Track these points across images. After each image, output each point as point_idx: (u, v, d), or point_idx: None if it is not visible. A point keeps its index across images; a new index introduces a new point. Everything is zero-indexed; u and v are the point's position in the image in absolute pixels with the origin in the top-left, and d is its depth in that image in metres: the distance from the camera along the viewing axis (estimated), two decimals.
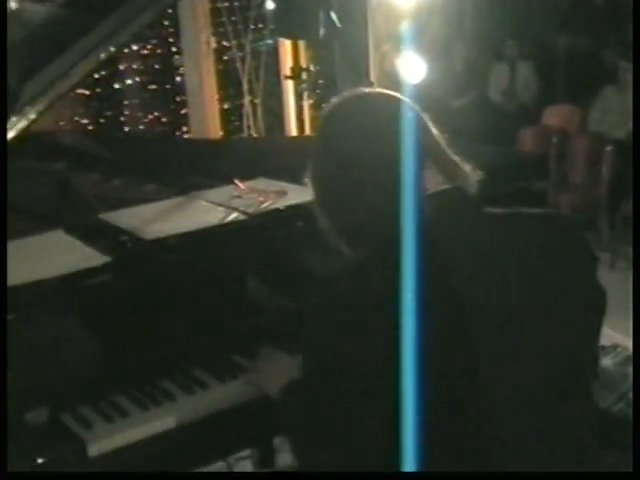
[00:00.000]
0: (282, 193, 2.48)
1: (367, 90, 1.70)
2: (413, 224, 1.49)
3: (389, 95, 1.65)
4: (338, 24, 3.11)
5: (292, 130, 5.27)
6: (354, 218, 1.61)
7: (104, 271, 2.08)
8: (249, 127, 5.57)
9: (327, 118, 1.68)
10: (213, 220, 2.33)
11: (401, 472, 1.41)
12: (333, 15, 3.08)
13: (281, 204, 2.43)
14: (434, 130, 1.66)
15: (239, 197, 2.48)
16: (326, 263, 2.32)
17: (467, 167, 1.66)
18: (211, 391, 2.10)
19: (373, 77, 5.05)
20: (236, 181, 2.56)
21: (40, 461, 1.87)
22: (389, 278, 1.47)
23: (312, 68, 5.01)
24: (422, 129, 1.63)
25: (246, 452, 3.07)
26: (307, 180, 1.69)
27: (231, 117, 5.83)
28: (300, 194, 2.51)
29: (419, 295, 1.43)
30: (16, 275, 2.00)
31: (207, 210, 2.43)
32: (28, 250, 2.20)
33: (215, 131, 5.73)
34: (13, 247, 2.23)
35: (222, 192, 2.56)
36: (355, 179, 1.58)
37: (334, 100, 1.68)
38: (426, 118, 1.65)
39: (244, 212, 2.38)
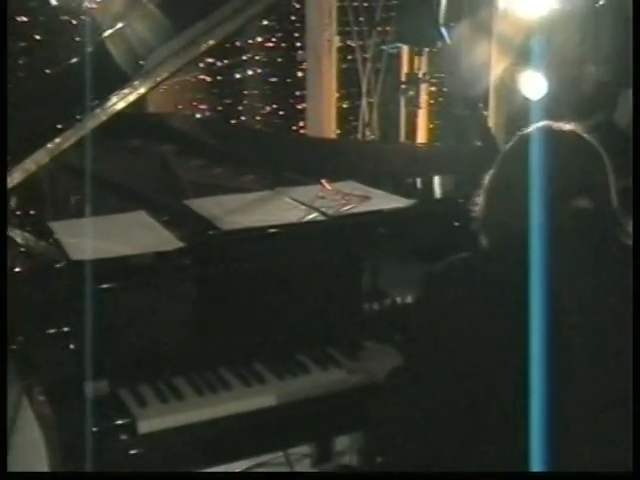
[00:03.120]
0: (366, 198, 2.48)
1: (552, 126, 1.80)
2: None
3: (572, 132, 1.79)
4: (448, 40, 3.09)
5: (405, 136, 5.26)
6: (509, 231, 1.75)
7: (175, 256, 2.13)
8: (364, 129, 5.56)
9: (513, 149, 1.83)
10: (291, 218, 2.36)
11: (402, 472, 1.43)
12: (444, 31, 3.06)
13: (362, 209, 2.43)
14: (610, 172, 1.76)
15: (323, 198, 2.50)
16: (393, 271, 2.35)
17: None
18: (267, 386, 2.13)
19: (492, 90, 4.97)
20: (323, 181, 2.58)
21: (94, 430, 1.93)
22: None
23: (426, 77, 4.98)
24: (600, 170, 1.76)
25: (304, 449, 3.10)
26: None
27: (349, 117, 5.84)
28: (384, 201, 2.51)
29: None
30: (91, 249, 2.08)
31: (289, 207, 2.45)
32: (108, 227, 2.27)
33: (331, 129, 5.75)
34: (96, 222, 2.32)
35: (308, 191, 2.58)
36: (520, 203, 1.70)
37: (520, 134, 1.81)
38: (606, 159, 1.77)
39: (324, 213, 2.39)
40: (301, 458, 3.18)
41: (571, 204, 1.70)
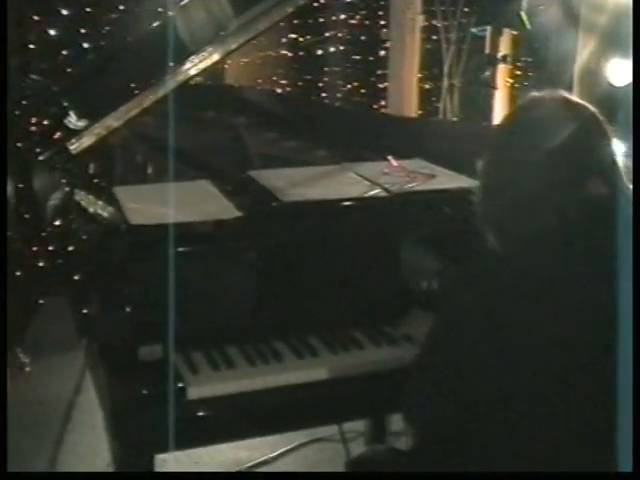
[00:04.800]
0: (430, 176, 2.45)
1: (561, 94, 1.71)
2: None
3: (578, 104, 1.69)
4: (528, 25, 3.03)
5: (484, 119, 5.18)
6: (511, 211, 1.66)
7: (233, 225, 2.13)
8: (445, 110, 5.50)
9: (519, 112, 1.74)
10: (354, 192, 2.34)
11: (402, 472, 1.40)
12: (523, 15, 3.00)
13: (426, 187, 2.39)
14: (614, 146, 1.67)
15: (387, 174, 2.47)
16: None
17: None
18: (320, 359, 2.12)
19: (576, 75, 4.85)
20: (389, 157, 2.55)
21: (144, 392, 1.95)
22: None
23: (507, 58, 4.89)
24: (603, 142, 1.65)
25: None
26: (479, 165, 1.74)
27: (431, 97, 5.78)
28: (449, 180, 2.47)
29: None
30: (151, 215, 2.09)
31: (352, 182, 2.43)
32: (170, 194, 2.28)
33: (412, 109, 5.70)
34: (158, 189, 2.34)
35: (374, 167, 2.56)
36: (525, 174, 1.63)
37: (530, 96, 1.72)
38: (611, 133, 1.67)
39: (387, 189, 2.36)
40: (357, 436, 3.18)
41: (584, 190, 1.61)
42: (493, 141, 1.73)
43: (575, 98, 1.71)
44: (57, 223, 2.59)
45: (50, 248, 2.96)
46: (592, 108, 1.67)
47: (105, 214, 2.21)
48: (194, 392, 1.98)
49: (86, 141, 2.46)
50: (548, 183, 1.60)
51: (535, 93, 1.72)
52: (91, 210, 2.25)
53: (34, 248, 3.95)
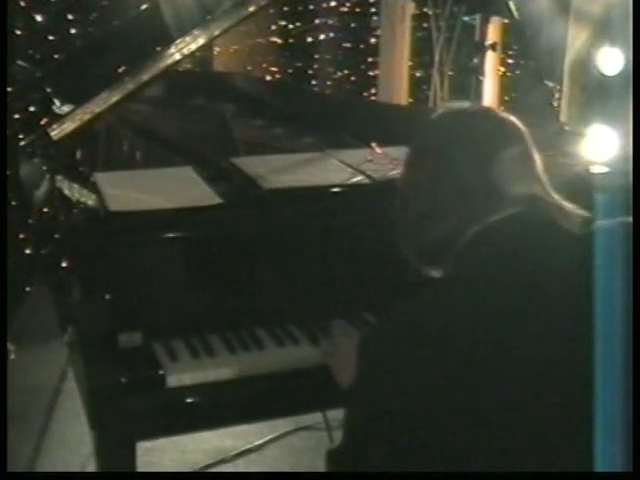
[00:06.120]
0: None
1: (474, 106, 1.66)
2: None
3: (495, 113, 1.62)
4: (516, 15, 3.01)
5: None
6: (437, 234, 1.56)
7: (213, 212, 2.12)
8: (435, 98, 5.49)
9: (433, 126, 1.63)
10: (335, 179, 2.32)
11: (401, 472, 1.38)
12: (512, 4, 2.99)
13: None
14: (535, 155, 1.57)
15: (371, 161, 2.45)
16: None
17: (570, 206, 1.56)
18: (301, 346, 2.11)
19: (567, 64, 4.84)
20: (373, 144, 2.53)
21: (123, 380, 1.94)
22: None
23: (495, 46, 4.86)
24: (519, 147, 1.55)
25: None
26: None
27: (422, 85, 5.76)
28: None
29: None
30: (130, 201, 2.08)
31: (335, 169, 2.42)
32: (151, 180, 2.27)
33: (403, 96, 5.68)
34: (139, 175, 2.32)
35: (358, 154, 2.54)
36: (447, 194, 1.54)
37: (442, 111, 1.66)
38: (530, 142, 1.57)
39: (369, 177, 2.35)
40: (341, 425, 3.16)
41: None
42: (409, 153, 1.65)
43: (499, 112, 1.64)
44: (44, 210, 2.58)
45: (36, 236, 2.95)
46: (517, 122, 1.59)
47: (86, 201, 2.20)
48: (173, 380, 1.97)
49: (68, 127, 2.44)
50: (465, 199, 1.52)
51: (454, 105, 1.67)
52: (72, 196, 2.23)
53: (20, 235, 3.93)
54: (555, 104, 4.92)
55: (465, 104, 1.68)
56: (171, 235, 2.10)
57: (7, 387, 3.37)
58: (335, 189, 2.28)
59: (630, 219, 1.50)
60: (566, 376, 1.43)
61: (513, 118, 1.59)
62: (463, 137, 1.55)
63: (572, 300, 1.45)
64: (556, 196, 1.56)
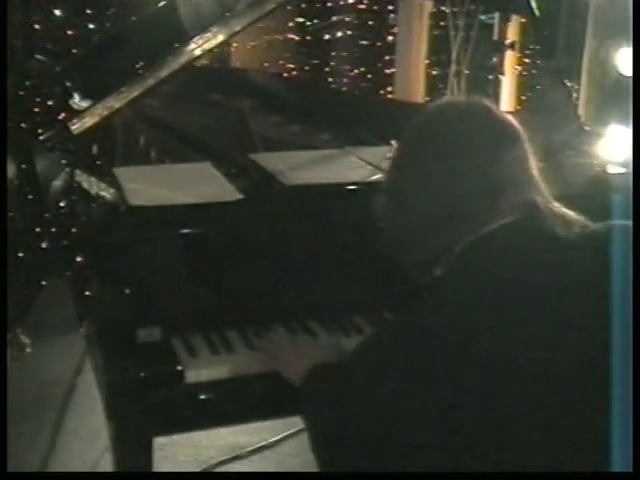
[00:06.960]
0: None
1: (465, 100, 1.61)
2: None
3: (488, 108, 1.55)
4: (536, 11, 2.99)
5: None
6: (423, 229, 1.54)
7: (233, 208, 2.11)
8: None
9: (425, 120, 1.58)
10: (354, 177, 2.31)
11: (401, 472, 1.37)
12: (532, 2, 2.96)
13: None
14: (532, 160, 1.53)
15: None
16: None
17: (571, 213, 1.52)
18: (319, 343, 2.10)
19: (585, 64, 4.82)
20: (393, 142, 2.52)
21: (142, 375, 1.93)
22: None
23: (514, 45, 4.85)
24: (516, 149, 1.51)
25: None
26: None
27: (439, 84, 5.75)
28: None
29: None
30: (150, 196, 2.08)
31: (354, 166, 2.41)
32: (171, 176, 2.27)
33: (419, 95, 5.66)
34: (159, 170, 2.32)
35: (377, 151, 2.53)
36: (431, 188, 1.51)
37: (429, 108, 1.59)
38: (525, 140, 1.53)
39: None
40: None
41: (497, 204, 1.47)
42: (396, 153, 1.63)
43: (494, 107, 1.57)
44: (61, 204, 2.58)
45: (53, 229, 2.96)
46: (512, 120, 1.54)
47: (106, 195, 2.20)
48: (192, 375, 1.97)
49: (88, 121, 2.44)
50: (458, 196, 1.49)
51: (449, 98, 1.62)
52: (92, 191, 2.24)
53: (37, 229, 3.94)
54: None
55: (458, 98, 1.62)
56: (191, 230, 2.09)
57: (23, 380, 3.40)
58: (355, 186, 2.27)
59: None
60: (565, 384, 1.42)
61: (510, 117, 1.54)
62: (456, 133, 1.50)
63: (571, 310, 1.43)
64: (556, 204, 1.52)
